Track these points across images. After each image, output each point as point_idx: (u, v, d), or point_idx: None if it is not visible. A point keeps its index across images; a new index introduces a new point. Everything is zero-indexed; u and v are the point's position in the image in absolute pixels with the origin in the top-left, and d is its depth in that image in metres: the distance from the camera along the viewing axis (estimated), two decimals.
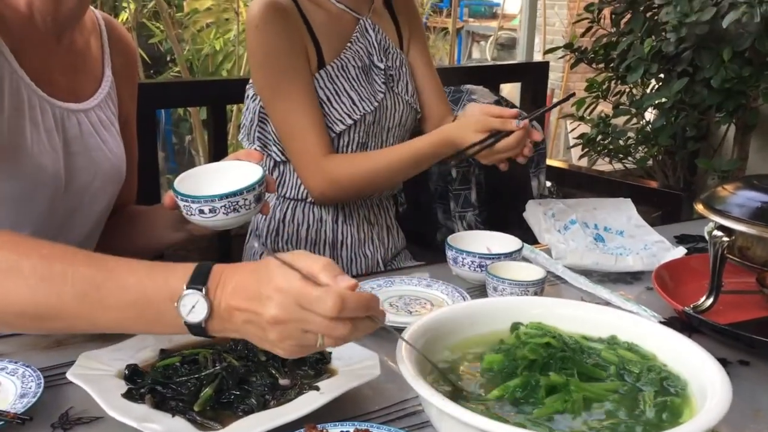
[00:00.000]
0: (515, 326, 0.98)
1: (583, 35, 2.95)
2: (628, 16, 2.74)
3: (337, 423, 0.86)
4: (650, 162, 2.99)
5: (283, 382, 0.95)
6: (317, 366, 1.00)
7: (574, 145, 3.06)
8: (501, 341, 0.95)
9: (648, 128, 2.84)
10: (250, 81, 1.68)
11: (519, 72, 2.87)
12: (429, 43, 1.93)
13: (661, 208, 2.26)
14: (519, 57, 3.34)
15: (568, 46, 2.90)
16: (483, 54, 8.21)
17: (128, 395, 0.91)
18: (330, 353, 1.02)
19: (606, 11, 2.84)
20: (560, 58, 3.11)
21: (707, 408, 0.77)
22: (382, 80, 1.67)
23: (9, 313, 0.84)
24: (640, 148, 2.93)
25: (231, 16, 4.28)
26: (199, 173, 1.23)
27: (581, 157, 3.14)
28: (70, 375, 0.92)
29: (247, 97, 1.69)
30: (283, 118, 1.58)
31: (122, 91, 1.38)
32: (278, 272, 0.81)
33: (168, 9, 3.86)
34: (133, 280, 0.83)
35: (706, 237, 1.22)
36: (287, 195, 1.69)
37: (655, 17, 2.63)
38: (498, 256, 1.35)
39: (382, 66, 1.68)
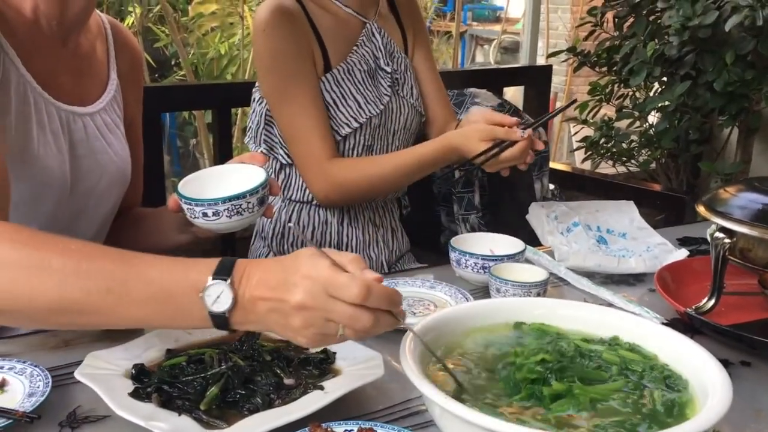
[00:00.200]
0: (518, 325, 0.99)
1: (586, 39, 2.95)
2: (631, 19, 2.74)
3: (341, 422, 0.86)
4: (653, 165, 2.99)
5: (288, 381, 0.96)
6: (322, 366, 1.00)
7: (578, 148, 3.06)
8: (501, 358, 0.94)
9: (651, 131, 2.84)
10: (257, 84, 1.69)
11: (522, 75, 2.88)
12: (432, 47, 1.94)
13: (664, 211, 2.27)
14: (522, 60, 3.34)
15: (571, 50, 2.91)
16: (486, 58, 8.22)
17: (135, 394, 0.92)
18: (334, 353, 1.03)
19: (609, 15, 2.84)
20: (563, 61, 3.12)
21: (708, 406, 0.77)
22: (388, 83, 1.68)
23: (37, 308, 0.85)
24: (643, 151, 2.93)
25: (236, 20, 4.30)
26: (203, 176, 1.24)
27: (584, 160, 3.14)
28: (78, 374, 0.93)
29: (254, 100, 1.71)
30: (288, 122, 1.59)
31: (127, 94, 1.39)
32: (307, 260, 0.83)
33: (173, 13, 3.88)
34: (157, 274, 0.85)
35: (708, 239, 1.22)
36: (293, 197, 1.70)
37: (658, 21, 2.63)
38: (501, 258, 1.36)
39: (388, 69, 1.69)
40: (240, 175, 1.20)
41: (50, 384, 0.96)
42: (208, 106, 2.39)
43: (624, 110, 2.86)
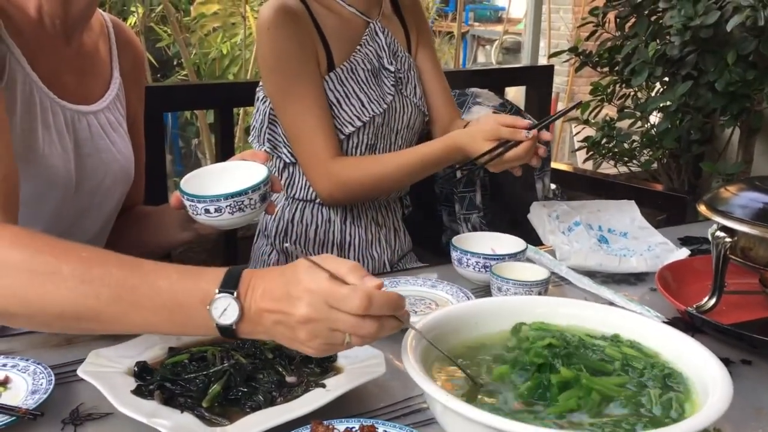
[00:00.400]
0: (517, 327, 0.99)
1: (587, 39, 2.95)
2: (633, 19, 2.75)
3: (343, 419, 0.87)
4: (655, 165, 2.99)
5: (289, 379, 0.96)
6: (323, 364, 1.01)
7: (579, 149, 3.07)
8: (505, 347, 0.95)
9: (653, 131, 2.85)
10: (260, 83, 1.69)
11: (524, 75, 2.88)
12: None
13: (666, 211, 2.27)
14: (524, 61, 3.34)
15: (573, 50, 2.91)
16: (488, 58, 8.22)
17: (137, 392, 0.92)
18: None
19: (611, 15, 2.84)
20: (565, 61, 3.12)
21: (709, 404, 0.78)
22: (391, 83, 1.69)
23: (49, 314, 0.86)
24: (644, 151, 2.93)
25: (238, 20, 4.30)
26: (205, 173, 1.24)
27: (586, 160, 3.15)
28: (81, 372, 0.94)
29: (258, 99, 1.71)
30: (292, 121, 1.59)
31: (130, 93, 1.39)
32: (306, 274, 0.83)
33: (175, 13, 3.88)
34: (166, 284, 0.85)
35: (710, 238, 1.23)
36: (296, 196, 1.70)
37: (660, 21, 2.63)
38: (502, 257, 1.36)
39: (391, 69, 1.69)
40: (242, 172, 1.20)
41: (53, 381, 0.96)
42: (210, 105, 2.40)
43: (626, 110, 2.87)
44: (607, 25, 2.84)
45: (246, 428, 0.85)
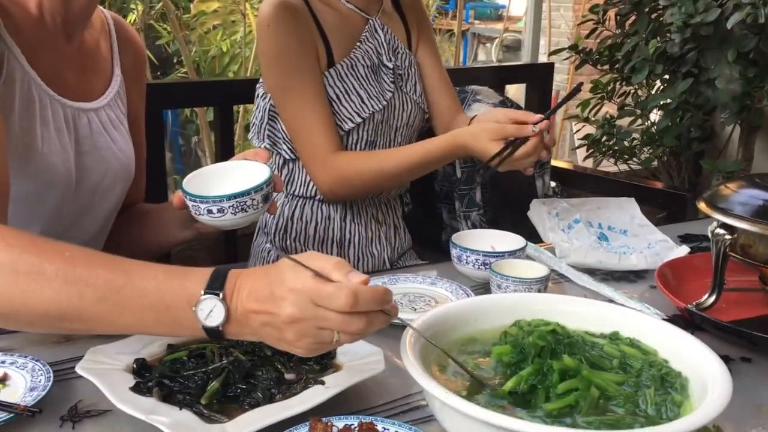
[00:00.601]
0: (517, 324, 0.98)
1: (587, 36, 2.95)
2: (633, 17, 2.74)
3: (342, 416, 0.87)
4: (655, 163, 2.99)
5: (288, 376, 0.96)
6: (322, 361, 1.01)
7: (579, 146, 3.06)
8: (504, 333, 0.96)
9: (653, 129, 2.84)
10: (261, 80, 1.69)
11: (524, 73, 2.88)
12: None
13: (666, 209, 2.27)
14: (524, 59, 3.34)
15: (573, 48, 2.91)
16: (488, 56, 8.22)
17: (136, 389, 0.92)
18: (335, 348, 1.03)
19: (611, 13, 2.84)
20: (565, 59, 3.12)
21: (708, 401, 0.77)
22: (391, 79, 1.68)
23: (33, 314, 0.86)
24: (645, 149, 2.93)
25: (237, 18, 4.30)
26: (207, 173, 1.24)
27: (586, 158, 3.14)
28: (79, 369, 0.93)
29: (258, 95, 1.71)
30: (292, 116, 1.59)
31: (131, 90, 1.39)
32: (290, 273, 0.82)
33: (175, 11, 3.88)
34: (152, 285, 0.84)
35: (709, 236, 1.22)
36: (296, 193, 1.70)
37: (660, 18, 2.63)
38: (502, 255, 1.36)
39: (390, 65, 1.69)
40: (244, 172, 1.20)
41: (51, 378, 0.96)
42: (210, 103, 2.39)
43: (626, 108, 2.86)
44: (607, 22, 2.84)
45: (244, 425, 0.85)
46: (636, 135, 2.92)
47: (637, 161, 2.94)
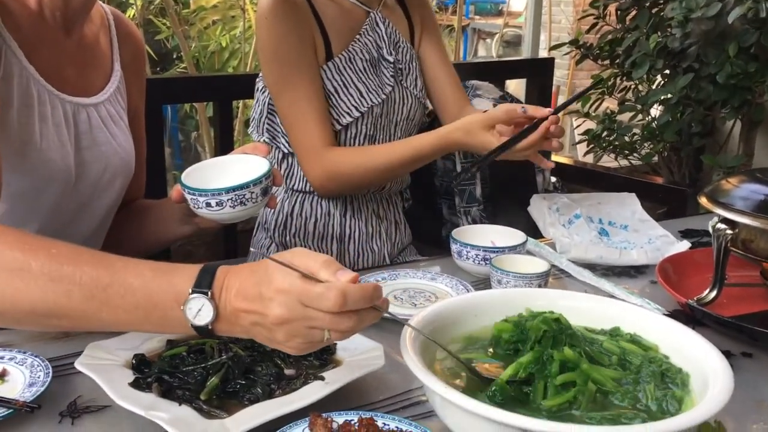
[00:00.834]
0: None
1: (588, 31, 2.94)
2: (634, 12, 2.74)
3: (341, 412, 0.86)
4: (656, 158, 2.98)
5: (288, 371, 0.96)
6: (322, 356, 1.00)
7: (580, 142, 3.06)
8: (506, 319, 0.96)
9: (653, 124, 2.84)
10: (260, 74, 1.69)
11: (524, 68, 2.88)
12: None
13: (667, 204, 2.27)
14: (524, 54, 3.33)
15: (574, 43, 2.90)
16: (489, 51, 8.20)
17: (135, 384, 0.92)
18: (335, 344, 1.02)
19: (611, 7, 2.83)
20: (566, 54, 3.10)
21: (710, 396, 0.77)
22: (391, 73, 1.68)
23: (19, 311, 0.85)
24: (645, 144, 2.92)
25: (237, 13, 4.29)
26: (206, 167, 1.24)
27: (587, 153, 3.14)
28: (78, 364, 0.93)
29: (257, 89, 1.71)
30: (288, 109, 1.59)
31: (131, 85, 1.39)
32: (277, 273, 0.81)
33: (174, 6, 3.87)
34: (138, 282, 0.84)
35: (710, 230, 1.22)
36: (295, 187, 1.70)
37: (661, 13, 2.62)
38: (502, 250, 1.36)
39: (391, 59, 1.68)
40: (243, 166, 1.20)
41: (50, 374, 0.96)
42: (210, 98, 2.39)
43: (626, 103, 2.86)
44: (608, 17, 2.83)
45: (244, 421, 0.85)
46: (636, 130, 2.91)
47: (638, 156, 2.94)
